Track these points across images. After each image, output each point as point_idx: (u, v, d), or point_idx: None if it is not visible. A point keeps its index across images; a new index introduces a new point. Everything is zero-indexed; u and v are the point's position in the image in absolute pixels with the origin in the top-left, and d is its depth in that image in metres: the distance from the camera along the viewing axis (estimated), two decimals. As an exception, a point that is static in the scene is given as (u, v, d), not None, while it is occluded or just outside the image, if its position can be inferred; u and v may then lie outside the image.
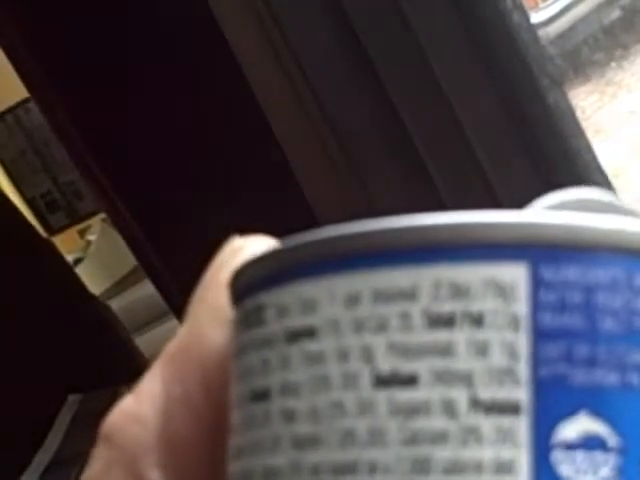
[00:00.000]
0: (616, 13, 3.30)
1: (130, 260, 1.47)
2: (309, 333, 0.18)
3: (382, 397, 0.17)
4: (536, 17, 2.79)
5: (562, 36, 3.06)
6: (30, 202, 2.72)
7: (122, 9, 0.85)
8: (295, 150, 0.72)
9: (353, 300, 0.18)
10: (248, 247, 0.24)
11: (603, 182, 0.61)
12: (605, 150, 2.65)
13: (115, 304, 1.75)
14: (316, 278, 0.18)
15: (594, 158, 0.61)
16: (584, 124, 0.68)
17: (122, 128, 0.92)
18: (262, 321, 0.19)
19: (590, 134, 0.73)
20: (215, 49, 0.74)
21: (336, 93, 0.67)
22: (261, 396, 0.19)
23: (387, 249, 0.18)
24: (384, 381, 0.17)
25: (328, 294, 0.18)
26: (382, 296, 0.18)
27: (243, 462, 0.19)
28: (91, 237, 2.52)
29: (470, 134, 0.63)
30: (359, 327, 0.18)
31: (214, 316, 0.23)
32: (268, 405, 0.19)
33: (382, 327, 0.18)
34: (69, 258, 2.08)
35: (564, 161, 0.60)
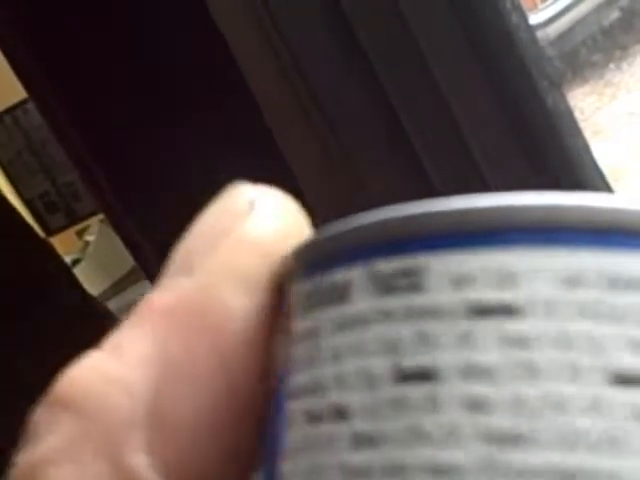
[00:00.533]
0: (615, 14, 3.30)
1: (128, 261, 1.47)
2: (507, 311, 0.16)
3: (620, 398, 0.15)
4: (535, 18, 2.79)
5: (561, 37, 3.07)
6: (28, 203, 2.72)
7: (122, 9, 0.84)
8: (295, 155, 0.72)
9: (574, 281, 0.15)
10: (264, 199, 0.21)
11: (601, 183, 0.62)
12: (604, 151, 2.65)
13: (113, 305, 1.75)
14: (518, 249, 0.16)
15: (592, 159, 0.61)
16: (582, 125, 0.68)
17: (121, 129, 0.92)
18: (418, 287, 0.16)
19: (588, 135, 0.73)
20: (213, 49, 0.74)
21: (335, 92, 0.67)
22: (421, 376, 0.16)
23: (622, 229, 0.15)
24: (623, 380, 0.15)
25: (537, 269, 0.15)
26: (614, 282, 0.15)
27: (399, 452, 0.16)
28: (89, 238, 2.51)
29: (468, 134, 0.63)
30: (584, 313, 0.15)
31: (236, 277, 0.19)
32: (434, 388, 0.16)
33: (616, 318, 0.15)
34: (67, 259, 2.08)
35: (562, 162, 0.60)
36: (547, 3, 3.09)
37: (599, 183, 0.61)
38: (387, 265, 0.17)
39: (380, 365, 0.16)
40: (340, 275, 0.17)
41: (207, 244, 0.20)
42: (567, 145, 0.59)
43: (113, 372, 0.19)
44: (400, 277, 0.16)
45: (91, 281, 1.79)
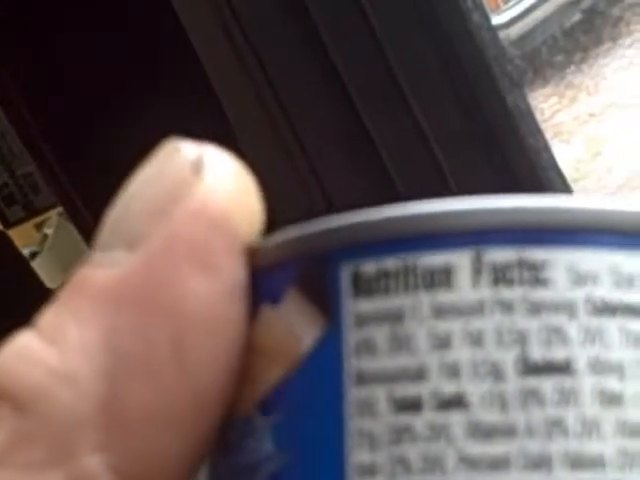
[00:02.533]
0: (577, 16, 3.33)
1: (86, 254, 1.46)
2: (629, 310, 0.16)
3: None
4: (497, 19, 2.80)
5: (522, 38, 3.09)
6: (-14, 195, 2.70)
7: None
8: (258, 158, 0.72)
9: None
10: (211, 160, 0.18)
11: (561, 183, 0.62)
12: (564, 152, 2.67)
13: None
14: (635, 251, 0.16)
15: (552, 159, 0.61)
16: (543, 126, 0.68)
17: (79, 121, 0.92)
18: (540, 281, 0.16)
19: (549, 136, 0.73)
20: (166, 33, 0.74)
21: (295, 89, 0.67)
22: (552, 369, 0.16)
23: None
24: None
25: None
26: None
27: (537, 444, 0.16)
28: (48, 231, 2.49)
29: (428, 132, 0.63)
30: None
31: (191, 252, 0.17)
32: (569, 381, 0.16)
33: None
34: (25, 252, 2.06)
35: (522, 161, 0.60)
36: (509, 4, 3.11)
37: (559, 183, 0.61)
38: (501, 255, 0.16)
39: (504, 356, 0.16)
40: (438, 259, 0.17)
41: (149, 212, 0.18)
42: (527, 144, 0.60)
43: (55, 364, 0.17)
44: (517, 269, 0.16)
45: (49, 274, 1.78)
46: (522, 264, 0.16)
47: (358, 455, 0.16)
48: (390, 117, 0.64)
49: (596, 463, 0.16)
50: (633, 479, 0.16)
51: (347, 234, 0.17)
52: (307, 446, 0.17)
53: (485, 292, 0.16)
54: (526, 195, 0.17)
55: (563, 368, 0.16)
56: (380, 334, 0.17)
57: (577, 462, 0.16)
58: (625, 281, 0.16)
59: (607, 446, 0.16)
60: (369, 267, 0.17)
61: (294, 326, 0.17)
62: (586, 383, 0.16)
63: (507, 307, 0.16)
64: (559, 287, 0.16)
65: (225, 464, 0.18)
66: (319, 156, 0.67)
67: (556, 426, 0.16)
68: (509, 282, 0.16)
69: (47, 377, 0.17)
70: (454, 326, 0.16)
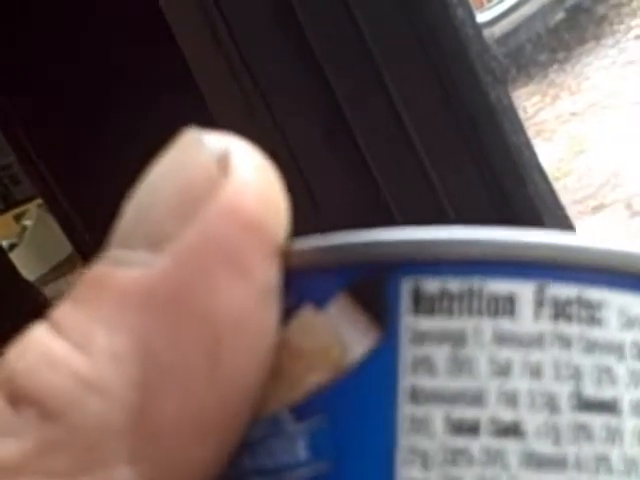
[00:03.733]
0: (560, 15, 3.34)
1: (66, 247, 1.46)
2: None
3: None
4: (481, 17, 2.81)
5: (506, 36, 3.09)
6: (-34, 186, 2.68)
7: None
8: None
9: None
10: (238, 156, 0.17)
11: (542, 180, 0.62)
12: (545, 151, 2.68)
13: (49, 291, 1.73)
14: None
15: (534, 155, 0.61)
16: (525, 124, 0.68)
17: (59, 113, 0.91)
18: (596, 320, 0.17)
19: (531, 135, 0.73)
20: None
21: (277, 82, 0.67)
22: (601, 406, 0.17)
23: None
24: None
25: None
26: None
27: (585, 478, 0.17)
28: (27, 222, 2.49)
29: (410, 128, 0.62)
30: None
31: (224, 255, 0.16)
32: (615, 420, 0.17)
33: None
34: (4, 243, 2.05)
35: (504, 158, 0.60)
36: (493, 2, 3.11)
37: (540, 181, 0.61)
38: (564, 290, 0.17)
39: (559, 389, 0.17)
40: (504, 287, 0.17)
41: (175, 211, 0.17)
42: (509, 141, 0.60)
43: (85, 371, 0.16)
44: (576, 306, 0.17)
45: (28, 266, 1.77)
46: (581, 302, 0.17)
47: (410, 471, 0.16)
48: (372, 112, 0.64)
49: None
50: None
51: (413, 249, 0.17)
52: (352, 456, 0.17)
53: (546, 325, 0.17)
54: (588, 236, 0.17)
55: (611, 407, 0.17)
56: (440, 354, 0.17)
57: None
58: None
59: None
60: (432, 285, 0.17)
61: (343, 333, 0.17)
62: (629, 423, 0.17)
63: (566, 342, 0.17)
64: (611, 328, 0.17)
65: (245, 462, 0.18)
66: (304, 156, 0.66)
67: (602, 462, 0.16)
68: (568, 318, 0.17)
69: (77, 385, 0.16)
70: (515, 355, 0.17)
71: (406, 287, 0.17)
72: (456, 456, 0.16)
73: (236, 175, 0.17)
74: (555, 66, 3.31)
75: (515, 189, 0.59)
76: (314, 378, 0.17)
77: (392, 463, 0.17)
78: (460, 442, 0.16)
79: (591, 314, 0.17)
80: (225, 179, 0.17)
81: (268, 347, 0.17)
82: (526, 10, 3.19)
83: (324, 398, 0.17)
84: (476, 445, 0.16)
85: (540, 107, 3.12)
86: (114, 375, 0.16)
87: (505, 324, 0.17)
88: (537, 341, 0.17)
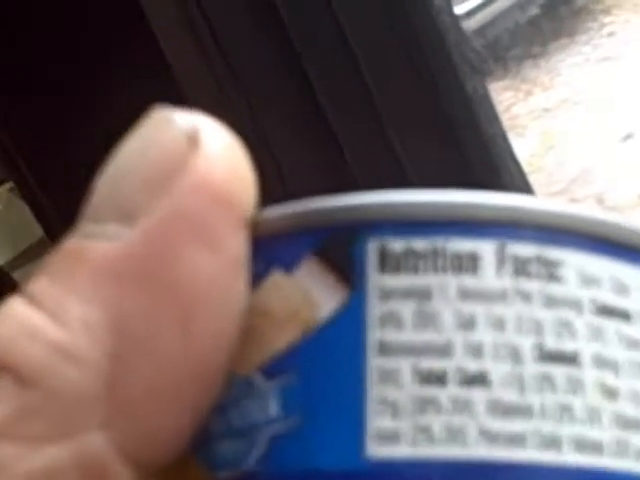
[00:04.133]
0: (534, 11, 3.35)
1: (36, 231, 1.45)
2: (624, 315, 0.18)
3: None
4: (459, 9, 2.81)
5: (481, 30, 3.10)
6: None
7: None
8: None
9: None
10: (207, 132, 0.18)
11: (516, 170, 0.62)
12: (517, 146, 2.69)
13: (19, 275, 1.72)
14: (632, 266, 0.18)
15: (509, 146, 0.61)
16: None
17: (29, 96, 0.90)
18: (556, 277, 0.18)
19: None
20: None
21: (255, 76, 0.66)
22: (562, 358, 0.18)
23: None
24: None
25: (638, 284, 0.18)
26: None
27: (550, 425, 0.17)
28: (-3, 207, 2.47)
29: (384, 115, 0.62)
30: None
31: (194, 228, 0.17)
32: (576, 371, 0.18)
33: None
34: (-27, 227, 2.04)
35: (478, 148, 0.60)
36: (469, -5, 3.12)
37: (514, 171, 0.62)
38: (523, 249, 0.18)
39: (522, 341, 0.17)
40: (466, 245, 0.18)
41: (145, 185, 0.17)
42: (484, 131, 0.60)
43: (60, 340, 0.17)
44: (535, 264, 0.18)
45: (-3, 250, 1.76)
46: (540, 260, 0.18)
47: (380, 421, 0.17)
48: (347, 99, 0.64)
49: (596, 448, 0.17)
50: (626, 467, 0.18)
51: (378, 211, 0.18)
52: (323, 409, 0.17)
53: (507, 282, 0.18)
54: (546, 198, 0.19)
55: (571, 359, 0.18)
56: (406, 309, 0.17)
57: (582, 446, 0.17)
58: (621, 289, 0.18)
59: (605, 434, 0.17)
60: (397, 245, 0.18)
61: (312, 294, 0.18)
62: (590, 375, 0.18)
63: (526, 297, 0.18)
64: (570, 285, 0.18)
65: (219, 425, 0.18)
66: (275, 139, 0.66)
67: (566, 411, 0.17)
68: (528, 275, 0.18)
69: (52, 353, 0.17)
70: (479, 309, 0.17)
71: (372, 247, 0.18)
72: (425, 405, 0.17)
73: (205, 150, 0.18)
74: (529, 61, 3.33)
75: (490, 179, 0.60)
76: (284, 338, 0.18)
77: (362, 413, 0.17)
78: (428, 391, 0.17)
79: (550, 271, 0.18)
80: (194, 154, 0.18)
81: (238, 314, 0.18)
82: (500, 5, 3.20)
83: (294, 356, 0.18)
84: (444, 394, 0.17)
85: (513, 102, 3.13)
86: (88, 344, 0.17)
87: (468, 280, 0.17)
88: (499, 296, 0.18)
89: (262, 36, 0.64)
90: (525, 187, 0.62)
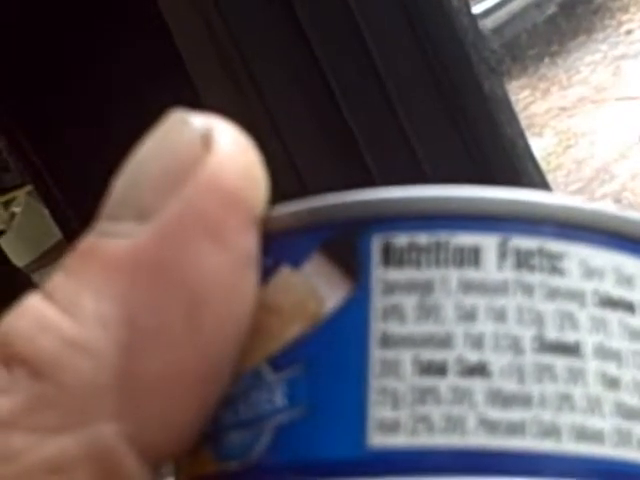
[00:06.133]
0: (552, 9, 3.34)
1: (55, 233, 1.45)
2: (628, 307, 0.18)
3: None
4: (477, 8, 2.80)
5: (499, 29, 3.09)
6: (-46, 172, 2.67)
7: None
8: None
9: None
10: (220, 134, 0.18)
11: (535, 170, 0.62)
12: (535, 145, 2.68)
13: (38, 277, 1.72)
14: (636, 257, 0.19)
15: (527, 146, 0.61)
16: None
17: (49, 100, 0.91)
18: (558, 270, 0.18)
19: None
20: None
21: (271, 72, 0.66)
22: (563, 349, 0.18)
23: None
24: None
25: None
26: None
27: (549, 415, 0.18)
28: (16, 209, 2.48)
29: (403, 118, 0.62)
30: None
31: (205, 227, 0.18)
32: (577, 362, 0.18)
33: None
34: (-7, 230, 2.05)
35: (497, 147, 0.60)
36: (486, -6, 3.11)
37: (533, 171, 0.61)
38: (526, 242, 0.18)
39: (523, 332, 0.18)
40: (468, 239, 0.18)
41: (159, 185, 0.18)
42: (503, 132, 0.59)
43: (72, 333, 0.17)
44: (538, 257, 0.18)
45: (17, 253, 1.77)
46: (542, 253, 0.18)
47: (381, 411, 0.17)
48: (366, 101, 0.64)
49: (597, 438, 0.18)
50: (624, 454, 0.18)
51: (380, 207, 0.18)
52: (327, 400, 0.18)
53: (509, 274, 0.18)
54: (549, 192, 0.19)
55: (573, 350, 0.18)
56: (409, 302, 0.18)
57: (581, 435, 0.18)
58: (625, 280, 0.18)
59: (606, 423, 0.18)
60: (401, 240, 0.18)
61: (318, 287, 0.18)
62: (591, 365, 0.18)
63: (528, 289, 0.18)
64: (572, 277, 0.18)
65: (228, 417, 0.19)
66: (294, 140, 0.66)
67: (565, 400, 0.18)
68: (530, 267, 0.18)
69: (64, 346, 0.17)
70: (480, 301, 0.18)
71: (377, 242, 0.18)
72: (424, 395, 0.17)
73: (218, 151, 0.18)
74: (547, 60, 3.32)
75: (508, 179, 0.59)
76: (292, 331, 0.18)
77: (364, 404, 0.17)
78: (428, 382, 0.17)
79: (552, 264, 0.18)
80: (207, 155, 0.18)
81: (247, 309, 0.18)
82: (518, 4, 3.19)
83: (301, 348, 0.18)
84: (444, 384, 0.17)
85: (530, 101, 3.12)
86: (100, 337, 0.17)
87: (470, 273, 0.18)
88: (501, 288, 0.18)
89: (280, 36, 0.64)
90: (543, 186, 0.62)
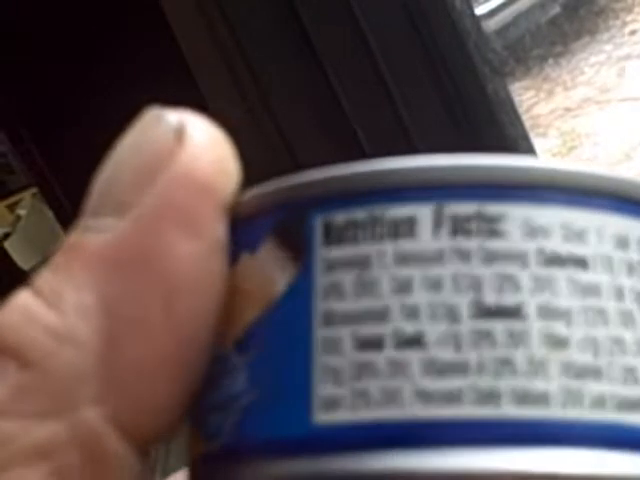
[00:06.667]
0: (556, 10, 3.34)
1: (60, 236, 1.45)
2: (578, 262, 0.18)
3: None
4: (480, 9, 2.80)
5: (502, 30, 3.09)
6: (-41, 175, 2.68)
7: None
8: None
9: (623, 243, 0.18)
10: (192, 127, 0.19)
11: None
12: (539, 146, 2.68)
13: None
14: (587, 210, 0.18)
15: (531, 148, 0.61)
16: (521, 117, 0.68)
17: (54, 99, 0.91)
18: (496, 233, 0.18)
19: (526, 127, 0.73)
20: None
21: (269, 60, 0.67)
22: (503, 313, 0.18)
23: None
24: None
25: (598, 229, 0.18)
26: None
27: (488, 381, 0.17)
28: (21, 212, 2.48)
29: (406, 118, 0.62)
30: (630, 270, 0.18)
31: (178, 217, 0.19)
32: (519, 324, 0.18)
33: None
34: (-2, 232, 2.05)
35: (500, 150, 0.60)
36: (490, -5, 3.10)
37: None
38: (463, 208, 0.18)
39: (459, 300, 0.18)
40: (403, 211, 0.18)
41: (135, 180, 0.19)
42: (506, 133, 0.60)
43: (55, 325, 0.18)
44: (475, 221, 0.18)
45: (22, 255, 1.77)
46: (480, 217, 0.18)
47: (323, 389, 0.18)
48: (368, 102, 0.64)
49: (541, 400, 0.17)
50: (574, 415, 0.17)
51: (320, 188, 0.19)
52: (277, 380, 0.18)
53: (444, 242, 0.18)
54: (485, 153, 0.18)
55: (514, 312, 0.18)
56: (347, 279, 0.18)
57: (523, 398, 0.17)
58: (575, 235, 0.18)
59: (551, 385, 0.17)
60: (339, 217, 0.18)
61: (269, 271, 0.19)
62: (535, 327, 0.18)
63: (464, 256, 0.18)
64: (513, 238, 0.18)
65: (204, 400, 0.19)
66: (293, 129, 0.66)
67: (505, 365, 0.17)
68: (467, 233, 0.18)
69: (49, 336, 0.18)
70: (415, 272, 0.18)
71: (319, 222, 0.18)
72: (362, 370, 0.18)
73: (190, 143, 0.19)
74: (551, 60, 3.31)
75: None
76: (251, 314, 0.19)
77: (310, 383, 0.18)
78: (366, 357, 0.18)
79: (491, 227, 0.18)
80: (180, 148, 0.19)
81: (217, 293, 0.19)
82: (521, 5, 3.19)
83: (258, 331, 0.19)
84: (381, 358, 0.18)
85: (534, 102, 3.12)
86: (81, 327, 0.18)
87: (405, 245, 0.18)
88: (436, 257, 0.18)
89: (282, 37, 0.64)
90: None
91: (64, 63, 0.88)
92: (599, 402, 0.18)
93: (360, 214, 0.18)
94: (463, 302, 0.18)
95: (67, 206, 0.99)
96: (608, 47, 3.29)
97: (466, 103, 0.61)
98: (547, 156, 2.63)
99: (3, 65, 0.91)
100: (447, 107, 0.62)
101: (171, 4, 0.68)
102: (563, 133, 2.88)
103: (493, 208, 0.18)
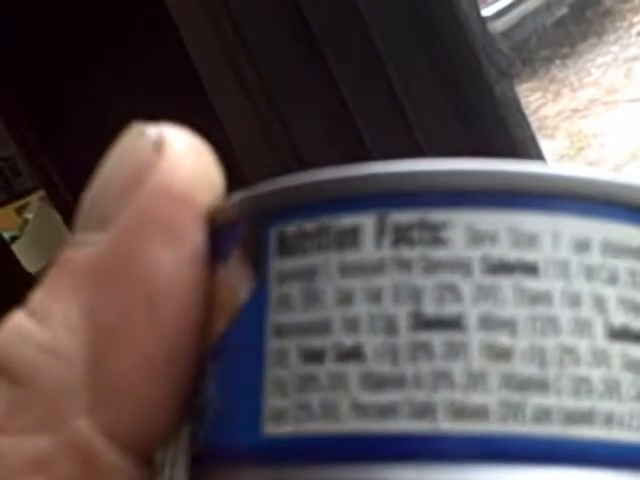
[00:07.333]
0: (563, 11, 3.33)
1: (67, 239, 1.45)
2: (527, 269, 0.17)
3: (616, 350, 0.17)
4: (486, 11, 2.80)
5: (509, 32, 3.09)
6: (-33, 178, 2.68)
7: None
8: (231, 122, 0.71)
9: (583, 246, 0.17)
10: (171, 140, 0.20)
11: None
12: (546, 147, 2.67)
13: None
14: (539, 212, 0.17)
15: (538, 149, 0.61)
16: (528, 118, 0.68)
17: (60, 103, 0.91)
18: (438, 241, 0.17)
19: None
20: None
21: (278, 67, 0.67)
22: (442, 324, 0.17)
23: (626, 204, 0.18)
24: (617, 334, 0.17)
25: (553, 233, 0.17)
26: (612, 249, 0.17)
27: (424, 394, 0.17)
28: (28, 215, 2.49)
29: (413, 120, 0.62)
30: (590, 275, 0.17)
31: (156, 228, 0.19)
32: (458, 335, 0.17)
33: (613, 280, 0.17)
34: (5, 235, 2.06)
35: (508, 152, 0.60)
36: (496, -3, 3.10)
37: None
38: (405, 216, 0.17)
39: (398, 311, 0.17)
40: (348, 220, 0.18)
41: (117, 194, 0.20)
42: (513, 135, 0.59)
43: (44, 341, 0.19)
44: (417, 229, 0.17)
45: (29, 258, 1.77)
46: (423, 225, 0.17)
47: (272, 401, 0.18)
48: (375, 104, 0.64)
49: (478, 414, 0.17)
50: (514, 429, 0.17)
51: (276, 198, 0.19)
52: (235, 390, 0.19)
53: (386, 252, 0.17)
54: (428, 159, 0.18)
55: (453, 323, 0.17)
56: (295, 290, 0.18)
57: (460, 413, 0.17)
58: (525, 240, 0.17)
59: (490, 398, 0.17)
60: (291, 228, 0.18)
61: (235, 281, 0.19)
62: (475, 338, 0.17)
63: (405, 266, 0.17)
64: (456, 246, 0.17)
65: (190, 404, 0.20)
66: (298, 129, 0.66)
67: (442, 378, 0.17)
68: (409, 242, 0.17)
69: (39, 353, 0.19)
70: (356, 283, 0.17)
71: (274, 233, 0.19)
72: (306, 383, 0.18)
73: (168, 155, 0.20)
74: (558, 61, 3.31)
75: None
76: (222, 324, 0.19)
77: (260, 395, 0.18)
78: (309, 370, 0.18)
79: (433, 235, 0.17)
80: (159, 159, 0.20)
81: (198, 301, 0.19)
82: (528, 6, 3.18)
83: (224, 340, 0.19)
84: (322, 371, 0.17)
85: (542, 103, 3.12)
86: (70, 342, 0.19)
87: (349, 255, 0.18)
88: (377, 268, 0.17)
89: (288, 37, 0.64)
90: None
91: (70, 64, 0.88)
92: (543, 415, 0.17)
93: (310, 225, 0.18)
94: (402, 313, 0.17)
95: (75, 209, 0.99)
96: (615, 48, 3.28)
97: (473, 105, 0.60)
98: (555, 158, 2.62)
99: (10, 65, 0.92)
100: (454, 109, 0.61)
101: (176, 3, 0.68)
102: (570, 134, 2.87)
103: (436, 215, 0.17)
